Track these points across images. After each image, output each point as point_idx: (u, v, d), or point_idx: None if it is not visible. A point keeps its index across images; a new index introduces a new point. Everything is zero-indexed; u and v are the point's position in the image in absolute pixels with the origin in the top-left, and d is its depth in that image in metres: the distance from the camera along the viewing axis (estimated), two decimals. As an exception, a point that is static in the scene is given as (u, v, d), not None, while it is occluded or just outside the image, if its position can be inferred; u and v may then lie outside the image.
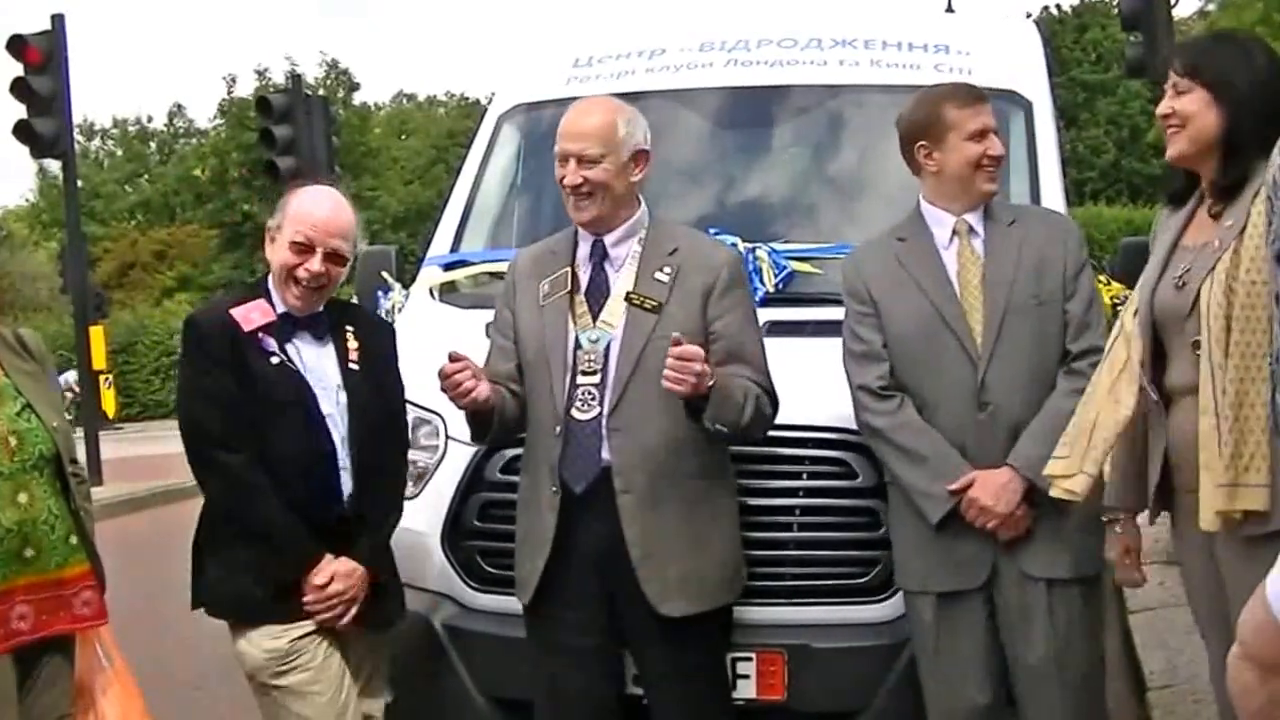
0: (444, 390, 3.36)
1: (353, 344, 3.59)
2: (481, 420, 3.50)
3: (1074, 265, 3.55)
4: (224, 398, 3.46)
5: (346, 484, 3.53)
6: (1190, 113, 3.10)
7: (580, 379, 3.48)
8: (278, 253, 3.53)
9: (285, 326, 3.53)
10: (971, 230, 3.60)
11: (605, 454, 3.45)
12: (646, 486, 3.44)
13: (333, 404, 3.53)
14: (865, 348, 3.61)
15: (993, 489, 3.43)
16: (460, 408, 3.44)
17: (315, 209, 3.53)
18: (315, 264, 3.48)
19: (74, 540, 3.48)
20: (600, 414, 3.46)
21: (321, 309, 3.60)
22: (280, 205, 3.60)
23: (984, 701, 3.53)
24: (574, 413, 3.47)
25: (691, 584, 3.47)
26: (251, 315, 3.51)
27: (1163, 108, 3.18)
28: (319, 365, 3.55)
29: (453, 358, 3.37)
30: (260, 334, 3.48)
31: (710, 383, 3.28)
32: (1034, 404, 3.47)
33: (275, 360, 3.48)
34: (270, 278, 3.59)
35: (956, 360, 3.52)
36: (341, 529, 3.52)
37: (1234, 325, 2.89)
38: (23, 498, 3.39)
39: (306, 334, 3.56)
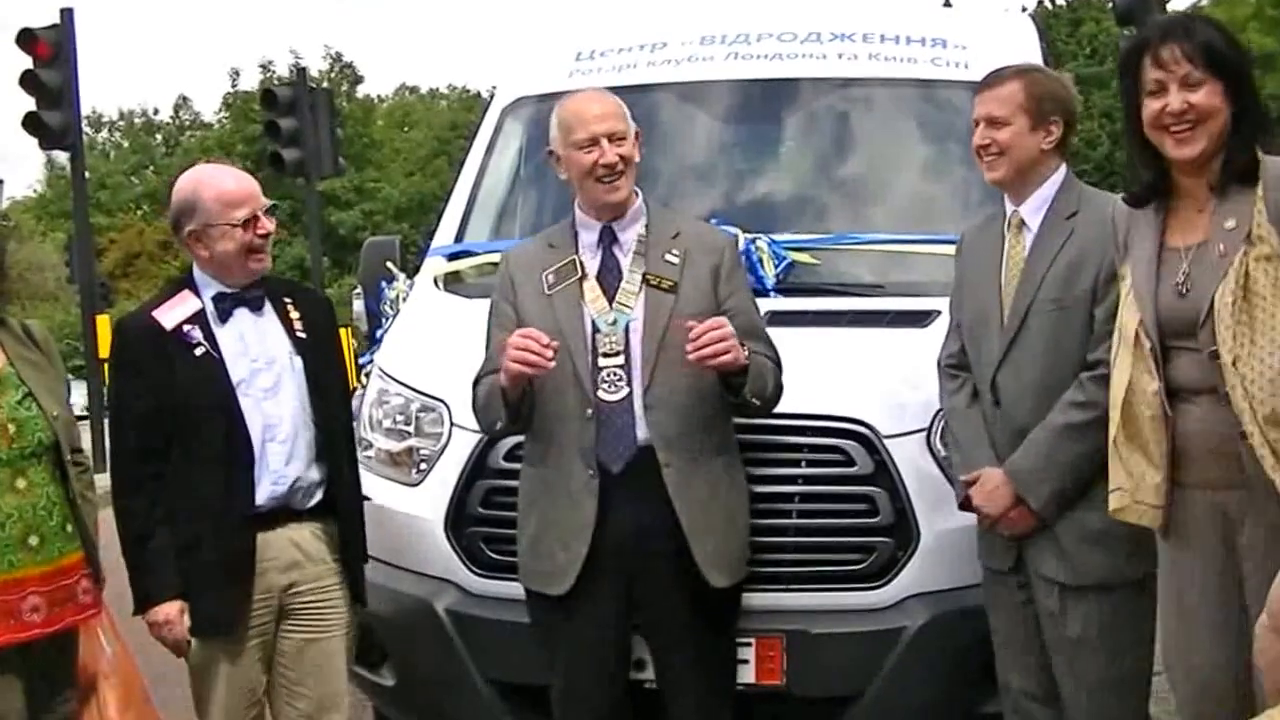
0: (517, 358, 3.36)
1: (295, 314, 3.65)
2: (513, 404, 3.51)
3: (1111, 267, 3.29)
4: (143, 414, 3.54)
5: (303, 454, 3.56)
6: (1210, 107, 2.88)
7: (603, 361, 3.51)
8: (223, 242, 3.54)
9: (221, 307, 3.58)
10: (1023, 224, 3.56)
11: (640, 432, 3.49)
12: (687, 460, 3.49)
13: (283, 372, 3.56)
14: (951, 324, 3.72)
15: (986, 490, 3.49)
16: (516, 376, 3.41)
17: (230, 185, 3.57)
18: (267, 225, 3.57)
19: (70, 529, 3.53)
20: (630, 394, 3.50)
21: (260, 282, 3.65)
22: (182, 208, 3.61)
23: (1025, 686, 3.57)
24: (602, 394, 3.50)
25: (725, 556, 3.54)
26: (174, 312, 3.58)
27: (1178, 103, 2.90)
28: (264, 336, 3.60)
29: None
30: (185, 327, 3.54)
31: (746, 355, 3.38)
32: (1042, 409, 3.44)
33: (199, 352, 3.52)
34: (195, 270, 3.63)
35: (987, 356, 3.55)
36: (278, 509, 3.55)
37: (1257, 328, 2.81)
38: (21, 484, 3.42)
39: (244, 308, 3.60)
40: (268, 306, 3.65)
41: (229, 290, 3.60)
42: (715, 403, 3.52)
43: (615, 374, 3.51)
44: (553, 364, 3.37)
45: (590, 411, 3.50)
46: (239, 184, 3.59)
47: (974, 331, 3.60)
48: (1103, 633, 3.43)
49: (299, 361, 3.60)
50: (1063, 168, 3.58)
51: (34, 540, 3.44)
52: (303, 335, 3.63)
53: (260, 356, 3.57)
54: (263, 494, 3.53)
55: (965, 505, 3.59)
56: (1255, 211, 2.86)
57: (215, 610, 3.52)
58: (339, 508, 3.65)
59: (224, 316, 3.58)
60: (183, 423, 3.51)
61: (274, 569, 3.56)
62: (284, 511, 3.58)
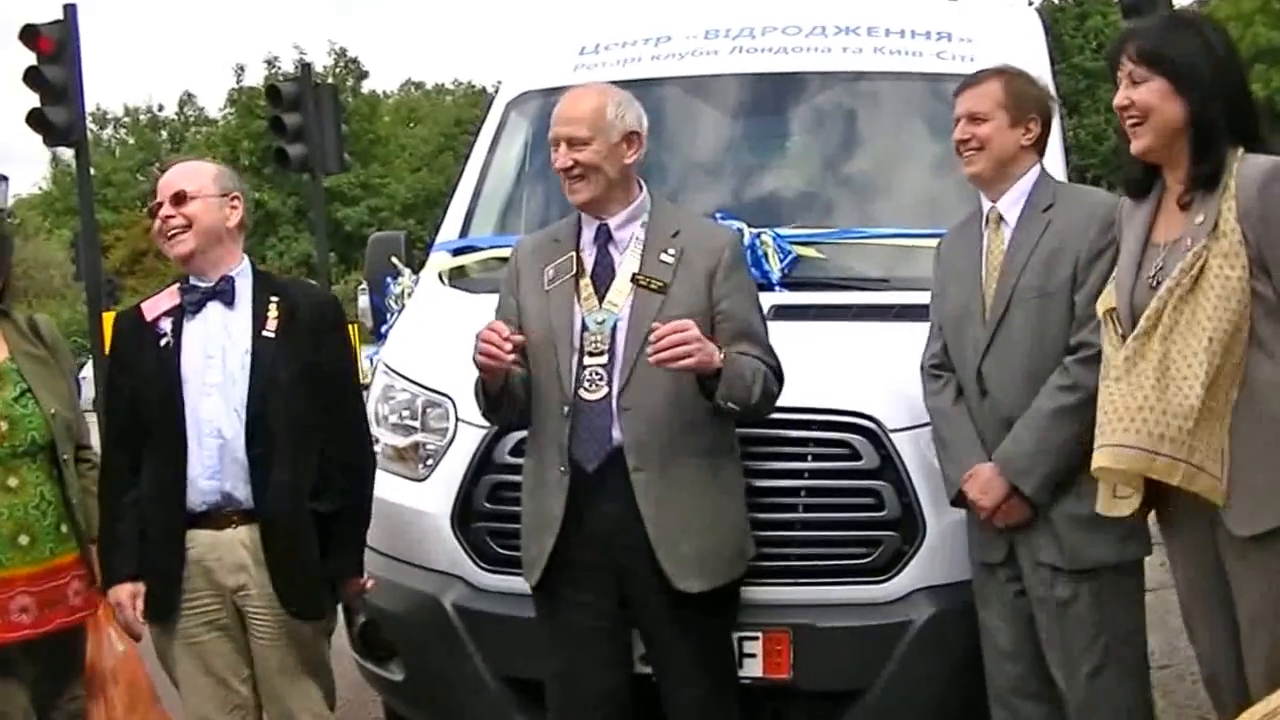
0: (480, 349, 3.37)
1: (273, 313, 3.61)
2: (492, 395, 3.53)
3: (1090, 252, 3.43)
4: (123, 403, 3.61)
5: (237, 453, 3.50)
6: (1151, 105, 3.01)
7: (588, 360, 3.50)
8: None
9: (195, 299, 3.59)
10: (1001, 219, 3.61)
11: (616, 433, 3.48)
12: (659, 464, 3.47)
13: (235, 368, 3.53)
14: (932, 326, 3.74)
15: (980, 483, 3.52)
16: (482, 370, 3.44)
17: (161, 180, 3.65)
18: (165, 211, 3.57)
19: (64, 529, 3.53)
20: (609, 394, 3.48)
21: (231, 277, 3.62)
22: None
23: (1015, 682, 3.59)
24: (582, 393, 3.49)
25: (705, 561, 3.51)
26: (158, 303, 3.63)
27: (1120, 99, 3.06)
28: (226, 331, 3.57)
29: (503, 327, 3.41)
30: (160, 320, 3.58)
31: (720, 360, 3.35)
32: (1028, 397, 3.48)
33: (162, 343, 3.55)
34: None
35: (972, 348, 3.58)
36: (221, 508, 3.53)
37: (1197, 321, 2.87)
38: (12, 482, 3.43)
39: (217, 302, 3.60)
40: (244, 302, 3.61)
41: (200, 284, 3.61)
42: (697, 406, 3.47)
43: (597, 373, 3.50)
44: (511, 358, 3.38)
45: (566, 409, 3.49)
46: (164, 177, 3.66)
47: (957, 326, 3.63)
48: (1099, 618, 3.46)
49: (249, 359, 3.54)
50: (1038, 165, 3.64)
51: (24, 540, 3.44)
52: (269, 333, 3.57)
53: (216, 353, 3.55)
54: (198, 486, 3.50)
55: (958, 501, 3.61)
56: (1224, 208, 2.91)
57: (151, 598, 3.53)
58: (265, 508, 3.52)
59: (194, 310, 3.59)
60: (144, 412, 3.55)
61: (222, 569, 3.53)
62: (232, 510, 3.53)
